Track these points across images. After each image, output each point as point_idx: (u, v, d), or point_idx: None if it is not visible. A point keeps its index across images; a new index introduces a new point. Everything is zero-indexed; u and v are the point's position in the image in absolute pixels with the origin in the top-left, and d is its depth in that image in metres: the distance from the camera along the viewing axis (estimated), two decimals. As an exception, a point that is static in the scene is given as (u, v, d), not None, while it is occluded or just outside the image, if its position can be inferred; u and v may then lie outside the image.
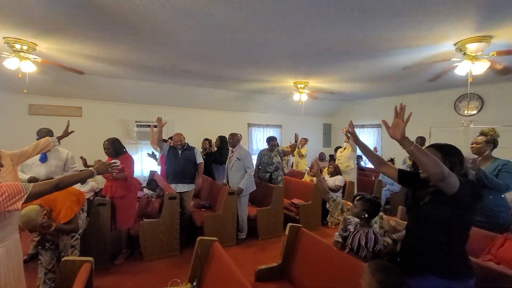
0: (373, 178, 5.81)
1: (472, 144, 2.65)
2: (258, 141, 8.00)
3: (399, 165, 5.65)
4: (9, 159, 2.44)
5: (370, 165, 7.14)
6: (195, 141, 4.99)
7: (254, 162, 4.50)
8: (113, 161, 1.98)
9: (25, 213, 1.97)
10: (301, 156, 6.91)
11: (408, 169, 2.95)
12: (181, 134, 3.89)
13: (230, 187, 3.86)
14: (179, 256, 3.38)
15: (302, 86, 5.30)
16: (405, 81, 5.18)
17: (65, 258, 1.63)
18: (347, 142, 5.42)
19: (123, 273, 2.97)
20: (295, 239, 2.32)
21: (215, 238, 2.00)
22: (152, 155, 5.10)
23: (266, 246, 3.80)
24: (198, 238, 1.98)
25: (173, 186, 3.70)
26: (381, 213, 2.10)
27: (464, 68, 3.15)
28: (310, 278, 2.04)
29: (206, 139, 5.51)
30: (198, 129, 6.70)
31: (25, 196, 1.50)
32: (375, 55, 3.52)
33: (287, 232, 2.31)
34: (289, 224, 2.36)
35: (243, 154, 3.88)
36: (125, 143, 4.20)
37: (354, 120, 8.05)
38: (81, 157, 4.18)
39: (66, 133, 2.89)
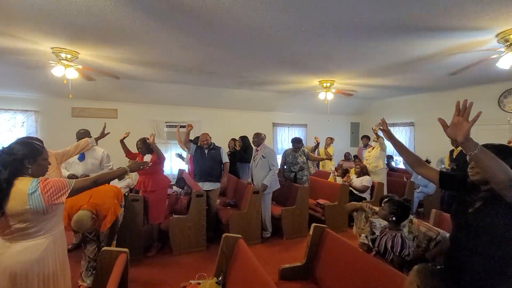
0: (404, 179, 5.53)
1: (510, 143, 2.40)
2: (282, 141, 7.98)
3: (434, 166, 5.34)
4: (54, 158, 2.70)
5: (401, 166, 6.79)
6: (221, 141, 5.12)
7: (279, 161, 4.51)
8: (144, 160, 2.14)
9: (79, 218, 2.18)
10: (328, 155, 6.76)
11: (449, 171, 2.77)
12: (207, 134, 4.02)
13: (254, 185, 3.91)
14: (206, 251, 3.50)
15: (328, 84, 5.19)
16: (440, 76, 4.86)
17: (104, 248, 1.78)
18: (376, 141, 5.22)
19: (155, 265, 3.15)
20: (320, 240, 2.29)
21: (239, 236, 2.06)
22: (180, 156, 5.32)
23: (291, 245, 3.79)
24: (224, 235, 2.05)
25: (200, 184, 3.84)
26: (411, 217, 2.01)
27: (508, 61, 2.88)
28: (335, 279, 2.01)
29: (232, 139, 5.63)
30: (224, 129, 6.85)
31: (69, 191, 1.66)
32: (409, 41, 3.24)
33: (311, 232, 2.29)
34: (313, 224, 2.34)
35: (268, 152, 3.93)
36: (156, 143, 4.42)
37: (385, 118, 7.80)
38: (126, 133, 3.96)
39: (103, 135, 3.16)
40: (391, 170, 6.48)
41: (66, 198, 1.67)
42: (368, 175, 4.78)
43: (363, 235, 2.00)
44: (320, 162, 6.87)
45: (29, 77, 4.78)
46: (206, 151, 3.95)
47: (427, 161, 5.10)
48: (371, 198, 4.58)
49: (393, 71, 4.52)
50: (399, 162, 7.43)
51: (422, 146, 6.58)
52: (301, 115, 8.20)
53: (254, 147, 4.17)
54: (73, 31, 2.90)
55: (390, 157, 6.85)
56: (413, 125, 7.05)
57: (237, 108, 7.23)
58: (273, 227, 4.02)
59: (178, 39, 3.10)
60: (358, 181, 4.68)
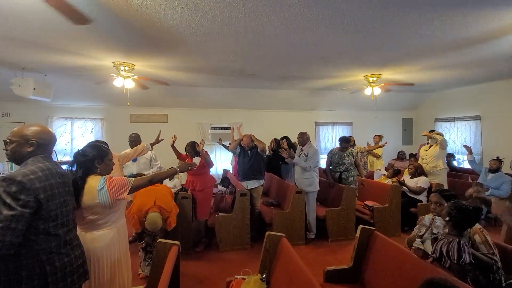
0: (469, 180, 4.90)
1: None
2: (326, 140, 7.73)
3: (507, 167, 4.62)
4: (117, 159, 3.06)
5: (466, 165, 6.01)
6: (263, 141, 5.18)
7: (324, 161, 4.38)
8: (192, 162, 2.32)
9: (153, 220, 2.52)
10: (376, 156, 6.32)
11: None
12: (250, 136, 4.11)
13: (297, 185, 3.88)
14: (250, 249, 3.58)
15: (375, 79, 4.88)
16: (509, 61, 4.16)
17: (159, 240, 1.96)
18: (433, 138, 4.73)
19: (203, 259, 3.33)
20: (367, 243, 2.17)
21: (282, 234, 2.06)
22: (225, 146, 5.43)
23: (336, 248, 3.66)
24: (267, 233, 2.08)
25: (243, 183, 3.95)
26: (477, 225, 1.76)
27: None
28: (386, 285, 1.88)
29: (274, 139, 5.64)
30: (265, 130, 6.91)
31: (129, 188, 1.87)
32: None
33: (358, 235, 2.19)
34: (360, 226, 2.23)
35: (311, 152, 3.86)
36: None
37: (443, 112, 7.02)
38: (174, 136, 4.18)
39: (157, 141, 3.59)
40: (453, 170, 5.80)
41: (127, 194, 1.89)
42: (425, 175, 4.35)
43: (417, 239, 1.83)
44: (368, 162, 6.48)
45: (96, 89, 5.49)
46: (248, 151, 4.05)
47: (499, 160, 4.44)
48: (428, 201, 4.16)
49: (452, 55, 3.85)
50: (462, 161, 6.60)
51: (490, 143, 5.73)
52: (345, 112, 7.84)
53: (299, 147, 4.13)
54: (131, 46, 3.26)
55: (451, 156, 6.13)
56: (479, 119, 6.19)
57: (278, 108, 7.25)
58: (317, 229, 3.92)
59: (222, 44, 3.25)
60: (412, 182, 4.30)
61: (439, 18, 2.61)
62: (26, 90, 4.40)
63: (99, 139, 3.07)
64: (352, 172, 4.27)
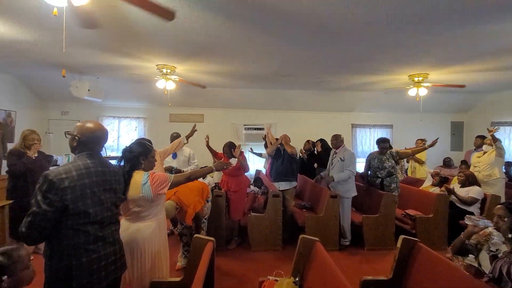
0: (533, 191, 4.31)
1: None
2: (363, 143, 7.38)
3: None
4: (159, 155, 3.25)
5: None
6: (296, 143, 5.11)
7: (361, 165, 4.19)
8: (228, 161, 2.37)
9: (166, 207, 2.60)
10: (419, 161, 5.84)
11: None
12: (286, 136, 4.09)
13: (331, 188, 3.76)
14: (282, 251, 3.55)
15: (420, 79, 4.53)
16: None
17: (196, 235, 2.04)
18: (489, 144, 4.24)
19: (235, 258, 3.39)
20: (410, 255, 2.02)
21: (316, 238, 2.01)
22: (256, 153, 5.48)
23: (373, 257, 3.47)
24: (301, 236, 2.04)
25: (276, 184, 3.94)
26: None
27: None
28: (430, 303, 1.73)
29: (308, 141, 5.55)
30: (299, 131, 6.81)
31: (169, 184, 1.98)
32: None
33: (398, 245, 2.04)
34: (402, 236, 2.08)
35: (347, 155, 3.71)
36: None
37: (498, 116, 6.26)
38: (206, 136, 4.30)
39: (192, 133, 3.64)
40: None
41: (168, 190, 1.99)
42: (478, 185, 3.93)
43: (470, 255, 1.65)
44: (410, 168, 6.04)
45: (140, 91, 5.92)
46: (282, 151, 4.03)
47: None
48: (481, 214, 3.75)
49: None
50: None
51: None
52: (386, 114, 7.41)
53: (332, 150, 4.00)
54: (172, 50, 3.46)
55: (510, 164, 5.46)
56: (547, 124, 5.42)
57: (313, 109, 7.10)
58: (352, 235, 3.76)
59: (259, 48, 3.29)
60: (463, 192, 3.91)
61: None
62: (82, 92, 4.89)
63: (143, 137, 3.29)
64: (395, 178, 3.99)
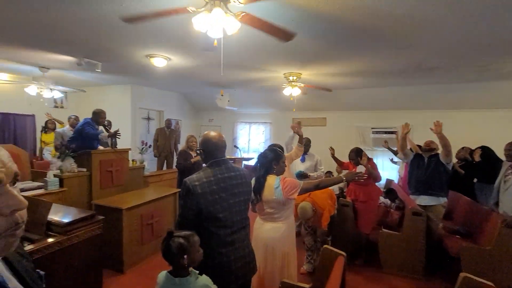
0: None
1: None
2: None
3: None
4: (286, 159, 3.40)
5: None
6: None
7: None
8: (359, 171, 2.17)
9: (303, 205, 2.67)
10: None
11: None
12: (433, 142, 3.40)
13: (503, 213, 2.77)
14: (424, 281, 2.93)
15: None
16: None
17: (325, 246, 1.99)
18: None
19: (362, 275, 3.08)
20: None
21: (489, 283, 1.50)
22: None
23: None
24: (462, 275, 1.58)
25: (414, 197, 3.32)
26: None
27: None
28: None
29: (463, 148, 4.34)
30: (451, 135, 5.48)
31: (299, 190, 2.02)
32: None
33: None
34: None
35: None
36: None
37: None
38: (330, 147, 4.21)
39: (297, 133, 3.37)
40: None
41: (297, 195, 2.04)
42: None
43: None
44: None
45: (267, 98, 6.49)
46: (426, 158, 3.34)
47: None
48: None
49: None
50: None
51: None
52: None
53: (505, 162, 2.96)
54: (299, 57, 3.56)
55: None
56: None
57: (464, 107, 5.52)
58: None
59: (396, 40, 2.87)
60: None
61: None
62: (223, 102, 5.87)
63: (274, 143, 3.53)
64: None
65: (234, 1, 1.96)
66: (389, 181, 4.86)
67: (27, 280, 0.64)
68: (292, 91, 4.47)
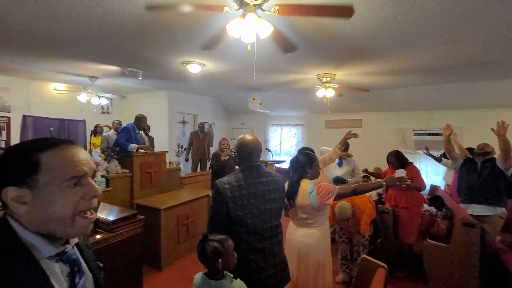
0: None
1: None
2: None
3: None
4: (320, 162, 3.29)
5: None
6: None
7: None
8: (401, 175, 2.01)
9: (342, 204, 2.54)
10: None
11: None
12: (487, 145, 3.06)
13: None
14: (477, 301, 2.63)
15: None
16: None
17: (364, 256, 1.88)
18: None
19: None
20: None
21: None
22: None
23: None
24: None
25: (464, 206, 3.00)
26: None
27: None
28: None
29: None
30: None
31: (334, 195, 1.93)
32: None
33: None
34: None
35: None
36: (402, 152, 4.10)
37: None
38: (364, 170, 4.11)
39: (345, 140, 3.11)
40: None
41: (332, 201, 1.96)
42: None
43: None
44: None
45: (299, 100, 6.39)
46: (478, 163, 3.02)
47: None
48: None
49: None
50: None
51: None
52: None
53: None
54: (332, 58, 3.45)
55: None
56: None
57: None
58: None
59: (446, 33, 2.63)
60: None
61: None
62: (255, 105, 5.91)
63: (306, 147, 3.43)
64: None
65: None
66: (433, 187, 4.47)
67: (92, 267, 0.75)
68: (326, 93, 4.34)
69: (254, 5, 1.92)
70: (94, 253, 0.82)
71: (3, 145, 5.11)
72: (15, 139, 5.42)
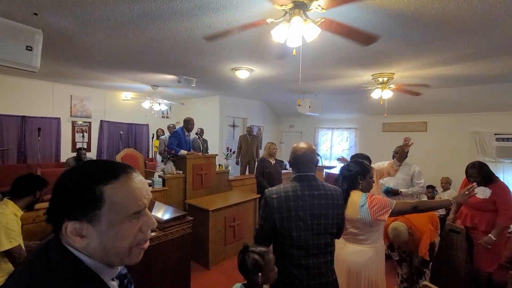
0: None
1: None
2: None
3: None
4: (375, 174, 2.98)
5: None
6: None
7: None
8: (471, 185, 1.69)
9: (396, 226, 2.28)
10: None
11: None
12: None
13: None
14: None
15: None
16: None
17: (425, 283, 1.63)
18: None
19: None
20: None
21: None
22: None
23: None
24: None
25: None
26: None
27: None
28: None
29: None
30: None
31: (390, 211, 1.72)
32: None
33: None
34: None
35: None
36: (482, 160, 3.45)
37: None
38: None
39: (402, 150, 2.71)
40: None
41: (388, 217, 1.75)
42: None
43: None
44: None
45: (353, 102, 5.98)
46: None
47: None
48: None
49: None
50: None
51: None
52: None
53: None
54: (392, 57, 3.12)
55: None
56: None
57: None
58: None
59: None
60: None
61: None
62: (304, 108, 5.74)
63: (361, 153, 3.12)
64: None
65: (316, 8, 1.86)
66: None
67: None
68: (383, 94, 3.96)
69: (300, 9, 1.86)
70: (147, 251, 0.87)
71: (85, 146, 6.01)
72: (94, 141, 6.34)
